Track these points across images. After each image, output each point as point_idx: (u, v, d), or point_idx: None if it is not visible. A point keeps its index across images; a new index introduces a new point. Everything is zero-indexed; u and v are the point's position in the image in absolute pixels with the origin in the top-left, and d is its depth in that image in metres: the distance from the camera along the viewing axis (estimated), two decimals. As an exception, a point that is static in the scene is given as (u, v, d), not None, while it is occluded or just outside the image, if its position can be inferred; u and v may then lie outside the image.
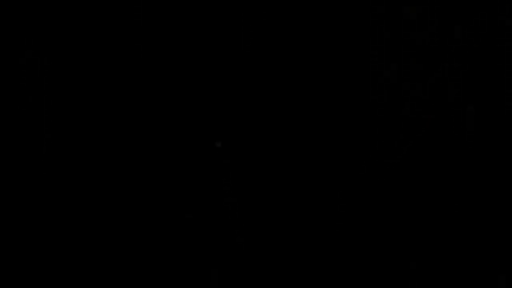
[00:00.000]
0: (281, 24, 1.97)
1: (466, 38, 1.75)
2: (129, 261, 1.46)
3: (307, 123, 1.92)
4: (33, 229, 1.74)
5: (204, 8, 2.21)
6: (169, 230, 1.89)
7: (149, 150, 2.17)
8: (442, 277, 1.54)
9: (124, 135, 2.11)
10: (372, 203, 1.80)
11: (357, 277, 1.54)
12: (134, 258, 1.49)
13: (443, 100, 1.76)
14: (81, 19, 2.01)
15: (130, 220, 1.97)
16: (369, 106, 1.86)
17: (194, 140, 2.34)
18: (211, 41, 2.17)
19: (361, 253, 1.60)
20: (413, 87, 1.80)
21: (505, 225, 1.61)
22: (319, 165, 1.88)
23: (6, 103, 1.78)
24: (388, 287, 1.50)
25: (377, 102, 1.85)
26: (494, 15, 1.71)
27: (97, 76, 2.05)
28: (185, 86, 2.34)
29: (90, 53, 2.03)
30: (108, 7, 2.04)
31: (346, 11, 1.90)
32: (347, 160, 1.85)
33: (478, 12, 1.73)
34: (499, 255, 1.53)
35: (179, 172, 2.27)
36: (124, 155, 2.12)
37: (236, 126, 2.02)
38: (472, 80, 1.74)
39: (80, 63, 2.01)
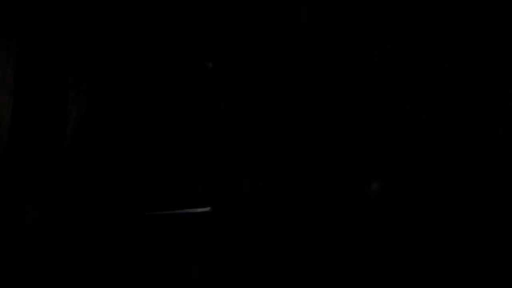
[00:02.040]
0: (280, 24, 1.96)
1: (466, 38, 1.75)
2: (127, 260, 1.46)
3: (307, 123, 1.92)
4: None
5: (205, 6, 2.21)
6: (168, 228, 1.89)
7: (150, 150, 2.17)
8: (443, 276, 1.54)
9: (123, 135, 2.11)
10: (372, 203, 1.80)
11: (357, 276, 1.54)
12: (132, 257, 1.49)
13: (443, 100, 1.76)
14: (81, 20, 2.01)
15: (130, 219, 1.97)
16: (369, 106, 1.86)
17: (195, 140, 2.34)
18: (211, 41, 2.16)
19: (360, 252, 1.60)
20: (413, 87, 1.80)
21: (505, 224, 1.61)
22: (319, 165, 1.88)
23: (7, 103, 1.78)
24: (388, 287, 1.50)
25: (377, 102, 1.84)
26: (494, 15, 1.71)
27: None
28: (186, 86, 2.33)
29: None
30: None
31: (347, 11, 1.90)
32: (347, 160, 1.85)
33: (478, 12, 1.73)
34: (499, 253, 1.53)
35: (179, 172, 2.27)
36: (124, 155, 2.12)
37: (237, 126, 2.02)
38: (472, 80, 1.74)
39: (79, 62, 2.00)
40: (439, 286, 1.52)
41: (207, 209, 2.08)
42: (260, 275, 1.30)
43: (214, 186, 2.07)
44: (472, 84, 1.73)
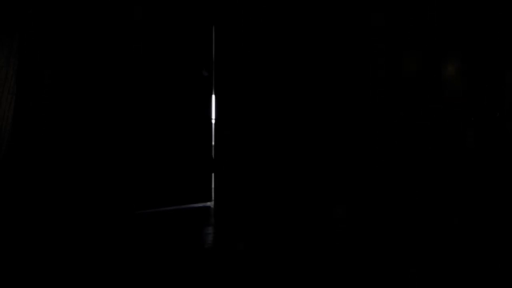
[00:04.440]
0: (281, 26, 1.97)
1: (465, 38, 1.74)
2: (128, 257, 1.47)
3: (307, 123, 1.92)
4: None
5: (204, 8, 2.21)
6: (175, 220, 1.90)
7: (156, 151, 2.18)
8: (443, 277, 1.53)
9: (126, 135, 2.12)
10: (371, 204, 1.80)
11: (356, 277, 1.54)
12: (133, 254, 1.50)
13: (443, 100, 1.75)
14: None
15: (131, 216, 1.98)
16: (369, 106, 1.86)
17: (200, 142, 2.34)
18: (209, 50, 2.16)
19: (359, 253, 1.60)
20: (413, 87, 1.80)
21: (506, 226, 1.60)
22: (318, 165, 1.88)
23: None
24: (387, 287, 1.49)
25: (377, 102, 1.84)
26: (493, 17, 1.70)
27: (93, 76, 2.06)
28: (186, 90, 2.34)
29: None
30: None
31: (347, 11, 1.90)
32: (347, 160, 1.85)
33: (478, 13, 1.72)
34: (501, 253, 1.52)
35: (183, 171, 2.27)
36: (130, 156, 2.12)
37: (237, 127, 2.03)
38: (472, 80, 1.73)
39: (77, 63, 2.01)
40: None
41: (208, 204, 2.20)
42: (258, 269, 1.30)
43: (216, 186, 2.07)
44: (473, 84, 1.72)
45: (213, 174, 4.19)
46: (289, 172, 1.91)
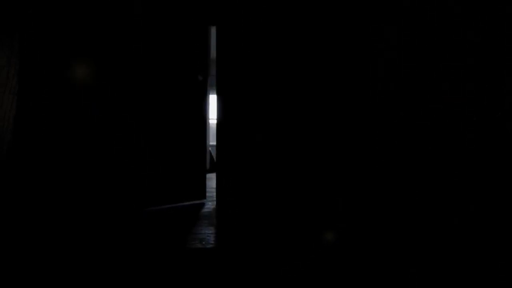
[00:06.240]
0: (281, 26, 1.97)
1: (467, 38, 1.75)
2: (136, 255, 1.47)
3: (308, 123, 1.92)
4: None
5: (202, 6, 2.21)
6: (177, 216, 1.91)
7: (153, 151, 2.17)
8: (441, 277, 1.55)
9: (127, 135, 2.12)
10: (371, 204, 1.81)
11: (356, 277, 1.55)
12: (136, 251, 1.50)
13: (443, 100, 1.76)
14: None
15: (133, 213, 1.98)
16: (369, 106, 1.86)
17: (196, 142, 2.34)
18: (206, 40, 2.16)
19: (359, 253, 1.61)
20: (412, 88, 1.81)
21: (506, 225, 1.61)
22: (318, 164, 1.89)
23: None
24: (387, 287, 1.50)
25: (377, 101, 1.85)
26: (495, 17, 1.71)
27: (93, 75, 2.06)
28: (184, 93, 2.34)
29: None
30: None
31: (347, 11, 1.90)
32: (346, 160, 1.86)
33: (479, 12, 1.73)
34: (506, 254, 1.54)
35: (181, 171, 2.27)
36: (132, 156, 2.12)
37: (234, 129, 2.03)
38: (473, 80, 1.74)
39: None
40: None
41: (203, 201, 2.33)
42: (256, 267, 1.31)
43: (218, 185, 2.08)
44: (473, 83, 1.73)
45: (211, 174, 4.18)
46: (290, 171, 1.92)
